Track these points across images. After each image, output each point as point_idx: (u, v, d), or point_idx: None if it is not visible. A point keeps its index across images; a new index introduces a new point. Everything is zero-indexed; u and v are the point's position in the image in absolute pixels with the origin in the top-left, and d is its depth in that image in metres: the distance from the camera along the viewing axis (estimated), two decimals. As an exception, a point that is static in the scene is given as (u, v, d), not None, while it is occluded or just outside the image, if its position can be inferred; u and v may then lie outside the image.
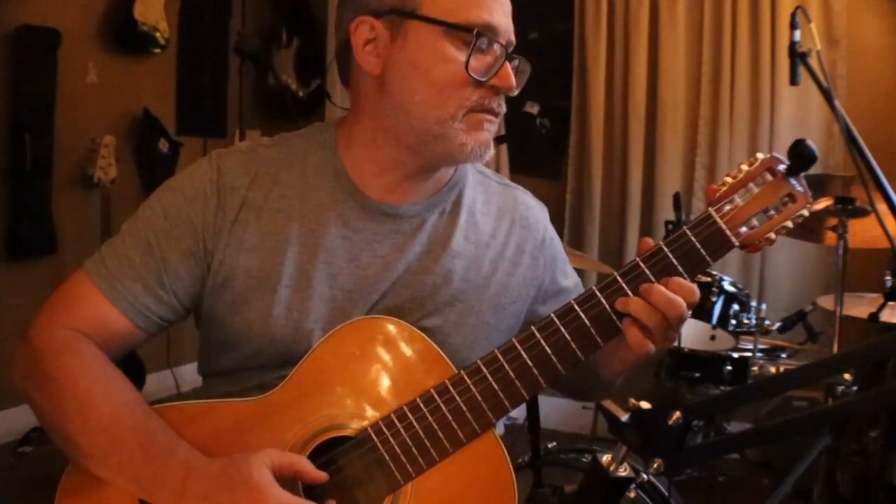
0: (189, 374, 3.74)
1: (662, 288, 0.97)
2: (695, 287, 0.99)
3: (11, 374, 1.09)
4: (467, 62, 1.03)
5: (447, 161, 1.13)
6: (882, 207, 1.66)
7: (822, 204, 2.35)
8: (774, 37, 3.49)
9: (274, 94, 4.24)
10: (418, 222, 1.14)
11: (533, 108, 4.03)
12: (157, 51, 3.73)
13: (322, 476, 0.99)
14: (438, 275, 1.13)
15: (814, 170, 1.00)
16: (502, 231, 1.20)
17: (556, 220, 3.93)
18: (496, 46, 1.05)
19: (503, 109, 1.10)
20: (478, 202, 1.20)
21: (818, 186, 2.36)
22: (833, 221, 2.40)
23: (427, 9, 1.04)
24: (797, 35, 1.84)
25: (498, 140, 3.51)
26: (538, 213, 1.26)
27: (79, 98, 3.44)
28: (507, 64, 1.06)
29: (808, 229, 2.58)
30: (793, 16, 1.86)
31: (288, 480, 0.97)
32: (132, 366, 3.18)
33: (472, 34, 1.03)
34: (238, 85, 4.01)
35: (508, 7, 1.09)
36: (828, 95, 1.77)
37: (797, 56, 1.83)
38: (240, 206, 1.10)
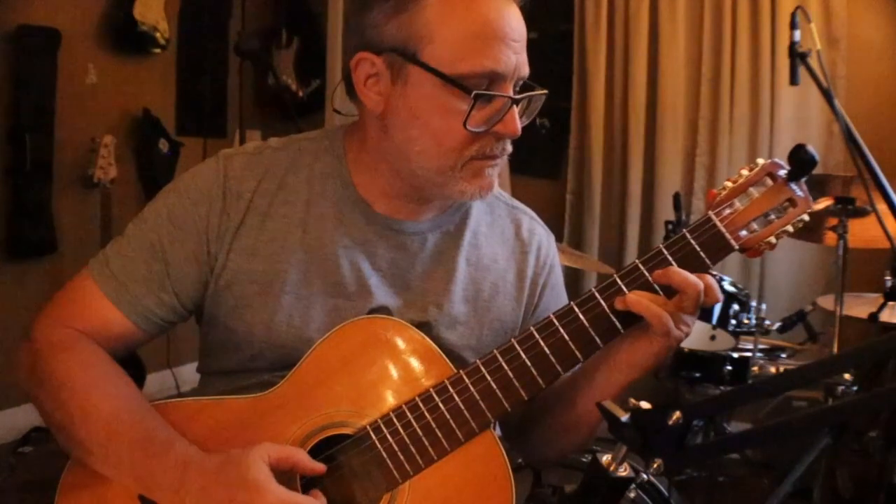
0: (189, 374, 3.74)
1: (679, 269, 0.97)
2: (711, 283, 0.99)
3: (15, 372, 1.10)
4: (466, 121, 0.99)
5: (448, 200, 1.13)
6: (882, 207, 1.66)
7: (822, 204, 2.35)
8: (774, 37, 3.49)
9: (274, 94, 4.24)
10: (420, 240, 1.14)
11: (533, 108, 4.02)
12: (157, 51, 3.73)
13: (320, 468, 0.99)
14: (440, 296, 1.13)
15: (814, 170, 1.00)
16: (505, 255, 1.20)
17: (556, 220, 3.97)
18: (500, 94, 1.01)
19: (509, 150, 1.06)
20: (482, 224, 1.20)
21: (818, 186, 2.36)
22: (833, 221, 2.40)
23: (428, 55, 1.00)
24: (797, 35, 1.84)
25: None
26: (543, 238, 1.25)
27: (79, 98, 3.43)
28: (514, 109, 1.02)
29: (808, 229, 2.54)
30: (793, 16, 1.86)
31: (286, 474, 0.97)
32: (132, 366, 3.17)
33: (470, 95, 0.98)
34: (238, 85, 4.01)
35: (521, 42, 1.03)
36: (828, 95, 1.77)
37: (797, 56, 1.83)
38: (245, 210, 1.10)
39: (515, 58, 1.01)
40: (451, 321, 1.13)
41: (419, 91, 1.01)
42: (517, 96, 1.03)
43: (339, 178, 1.13)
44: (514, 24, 1.02)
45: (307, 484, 1.01)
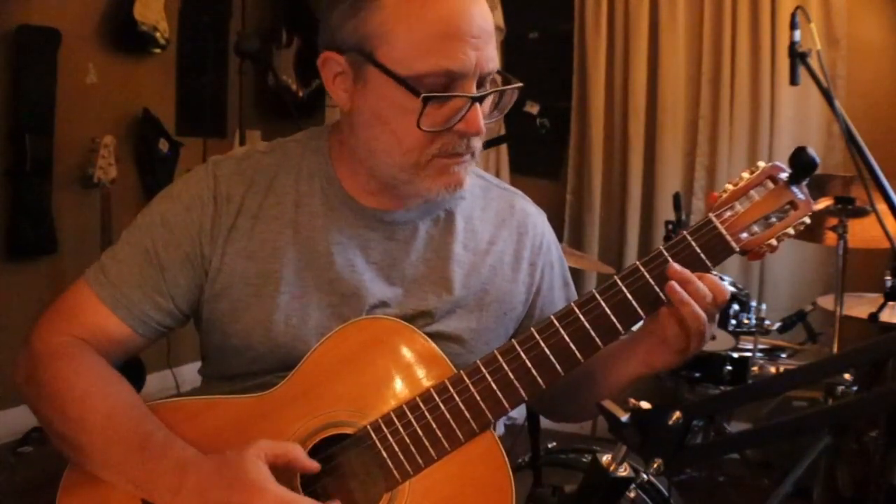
0: (189, 374, 3.74)
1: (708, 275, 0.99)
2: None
3: (14, 379, 1.10)
4: (419, 121, 0.98)
5: (419, 197, 1.10)
6: (882, 207, 1.66)
7: (822, 204, 2.35)
8: (774, 37, 3.49)
9: (274, 94, 4.24)
10: (411, 229, 1.14)
11: (533, 108, 4.02)
12: (157, 51, 3.73)
13: (314, 466, 0.99)
14: (437, 283, 1.13)
15: (814, 172, 1.00)
16: (501, 238, 1.20)
17: (556, 221, 3.96)
18: (458, 92, 0.99)
19: (477, 146, 1.05)
20: (476, 208, 1.20)
21: (818, 186, 2.36)
22: (833, 221, 2.40)
23: (383, 56, 0.99)
24: (797, 35, 1.84)
25: (498, 140, 3.52)
26: (536, 218, 1.26)
27: (79, 98, 3.43)
28: (476, 106, 1.00)
29: (807, 229, 2.55)
30: (793, 16, 1.86)
31: (285, 473, 0.97)
32: (132, 366, 3.16)
33: (419, 97, 0.97)
34: (238, 85, 4.01)
35: (483, 37, 1.00)
36: (828, 95, 1.77)
37: (797, 56, 1.83)
38: (236, 213, 1.11)
39: (475, 55, 0.99)
40: (451, 307, 1.13)
41: (377, 91, 1.02)
42: (477, 94, 1.00)
43: (324, 175, 1.14)
44: (475, 20, 0.99)
45: (307, 483, 1.01)
